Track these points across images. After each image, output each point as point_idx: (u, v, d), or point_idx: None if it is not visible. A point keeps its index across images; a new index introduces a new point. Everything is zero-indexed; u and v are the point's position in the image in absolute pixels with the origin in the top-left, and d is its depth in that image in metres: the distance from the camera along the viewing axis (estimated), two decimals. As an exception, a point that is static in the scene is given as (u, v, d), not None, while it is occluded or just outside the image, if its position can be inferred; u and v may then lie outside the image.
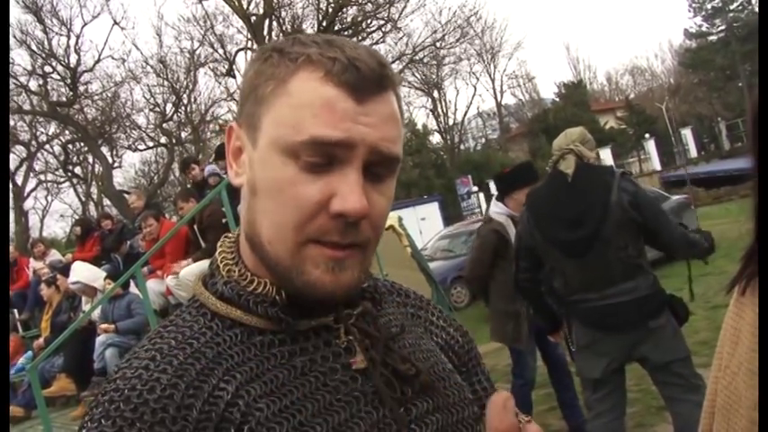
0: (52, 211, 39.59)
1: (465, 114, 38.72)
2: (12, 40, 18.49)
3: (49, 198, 30.16)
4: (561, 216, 2.89)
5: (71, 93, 21.55)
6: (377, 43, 22.99)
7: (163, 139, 24.86)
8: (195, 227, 5.62)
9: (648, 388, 4.10)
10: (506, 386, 4.49)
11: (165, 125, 24.08)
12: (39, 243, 9.22)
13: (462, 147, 38.13)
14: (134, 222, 7.25)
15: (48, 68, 21.31)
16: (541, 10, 68.63)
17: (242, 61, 21.69)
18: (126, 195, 17.33)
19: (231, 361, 0.66)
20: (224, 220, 5.17)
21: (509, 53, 46.48)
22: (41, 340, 6.69)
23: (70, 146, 24.78)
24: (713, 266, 7.75)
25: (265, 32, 19.68)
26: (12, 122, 20.67)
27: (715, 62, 36.27)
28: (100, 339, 5.69)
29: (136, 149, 25.80)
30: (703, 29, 38.24)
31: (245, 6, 20.11)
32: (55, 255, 8.69)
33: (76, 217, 24.03)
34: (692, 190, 13.96)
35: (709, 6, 37.35)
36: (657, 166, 27.27)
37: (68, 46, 21.25)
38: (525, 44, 71.49)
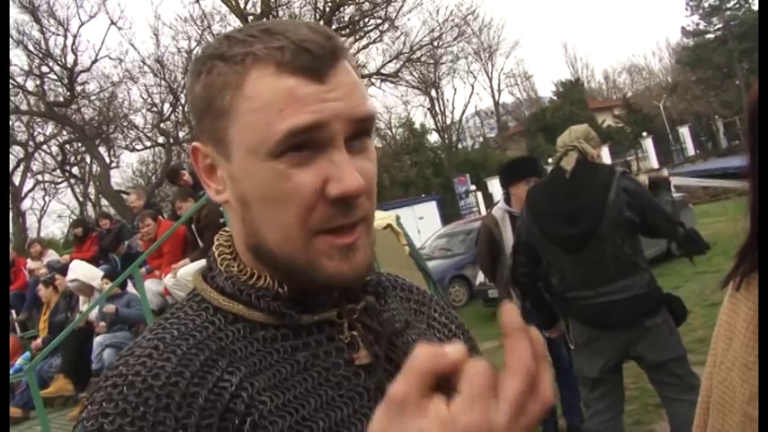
0: (50, 212, 39.65)
1: (463, 113, 38.92)
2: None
3: (47, 198, 30.15)
4: (559, 211, 2.90)
5: (68, 93, 21.55)
6: (374, 42, 23.02)
7: (160, 139, 24.87)
8: (193, 226, 5.61)
9: (646, 386, 4.10)
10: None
11: (162, 125, 24.09)
12: (35, 243, 9.18)
13: (460, 146, 38.12)
14: (133, 222, 7.24)
15: (45, 68, 21.37)
16: (539, 8, 68.86)
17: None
18: (125, 195, 17.31)
19: (234, 355, 0.65)
20: (221, 220, 5.16)
21: (506, 52, 46.66)
22: (39, 341, 6.67)
23: (67, 146, 24.77)
24: (710, 264, 7.82)
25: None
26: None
27: (712, 60, 36.36)
28: (98, 340, 5.69)
29: (133, 149, 25.88)
30: (701, 27, 38.38)
31: (242, 6, 20.12)
32: (52, 255, 8.66)
33: (74, 217, 24.01)
34: (689, 188, 13.99)
35: (706, 4, 37.47)
36: (655, 165, 27.32)
37: (65, 46, 21.32)
38: (523, 43, 71.89)
